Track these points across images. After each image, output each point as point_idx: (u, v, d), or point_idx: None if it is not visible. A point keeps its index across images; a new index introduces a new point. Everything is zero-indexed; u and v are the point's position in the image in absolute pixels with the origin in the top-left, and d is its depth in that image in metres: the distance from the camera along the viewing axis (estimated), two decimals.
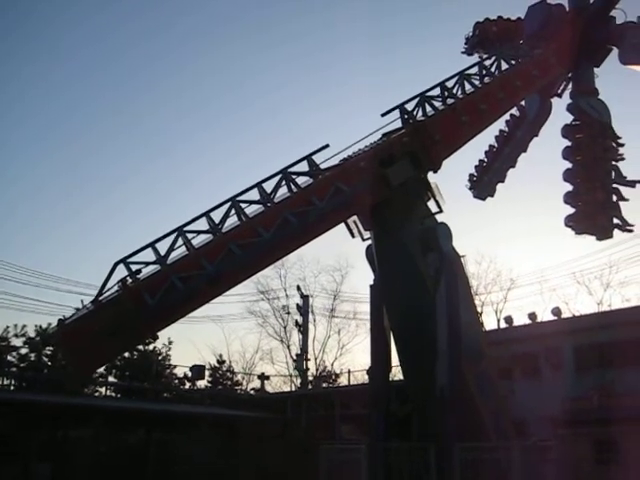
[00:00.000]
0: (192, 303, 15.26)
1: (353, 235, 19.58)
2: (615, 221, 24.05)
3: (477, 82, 20.19)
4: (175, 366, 45.31)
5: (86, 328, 14.24)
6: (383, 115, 18.82)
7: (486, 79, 20.31)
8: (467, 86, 19.97)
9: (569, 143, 24.36)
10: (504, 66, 21.04)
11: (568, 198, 24.27)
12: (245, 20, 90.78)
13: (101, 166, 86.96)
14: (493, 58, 21.02)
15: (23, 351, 37.94)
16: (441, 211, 19.40)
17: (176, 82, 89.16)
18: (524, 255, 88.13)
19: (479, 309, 39.82)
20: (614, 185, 23.98)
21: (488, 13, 29.03)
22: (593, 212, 23.90)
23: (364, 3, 77.55)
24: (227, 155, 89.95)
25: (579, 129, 24.17)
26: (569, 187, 24.36)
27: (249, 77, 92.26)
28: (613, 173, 23.93)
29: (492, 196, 27.04)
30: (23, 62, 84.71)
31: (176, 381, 45.32)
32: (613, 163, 24.00)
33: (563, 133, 24.40)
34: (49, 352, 38.39)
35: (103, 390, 39.40)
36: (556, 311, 33.56)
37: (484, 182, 26.88)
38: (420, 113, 19.14)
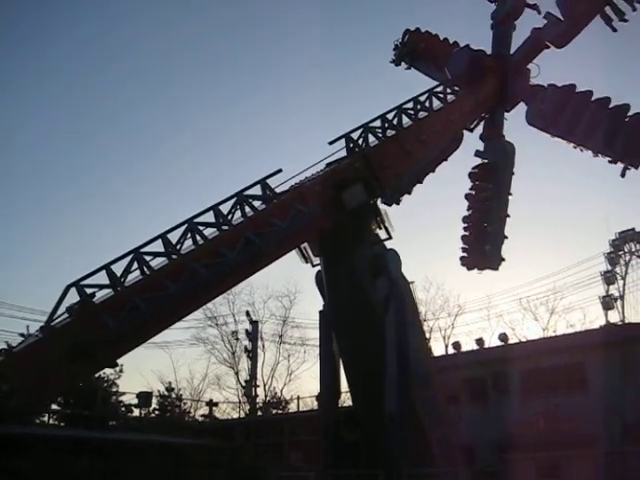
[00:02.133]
0: (157, 324, 14.98)
1: (307, 260, 19.67)
2: (500, 256, 25.06)
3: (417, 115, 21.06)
4: (123, 393, 44.38)
5: (40, 355, 13.68)
6: (330, 143, 19.29)
7: (421, 114, 21.14)
8: (405, 119, 20.80)
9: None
10: (435, 102, 21.92)
11: (461, 238, 25.28)
12: (185, 31, 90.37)
13: (48, 188, 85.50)
14: (425, 96, 21.60)
15: None
16: (390, 238, 19.69)
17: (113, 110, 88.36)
18: (472, 281, 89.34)
19: (427, 335, 40.18)
20: (500, 223, 24.90)
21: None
22: (479, 250, 24.96)
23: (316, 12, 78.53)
24: (170, 180, 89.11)
25: (474, 175, 25.04)
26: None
27: (190, 94, 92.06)
28: (498, 213, 24.79)
29: (398, 204, 27.93)
30: None
31: (123, 408, 44.37)
32: (499, 202, 24.84)
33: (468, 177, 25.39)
34: None
35: (46, 418, 38.31)
36: (503, 337, 34.07)
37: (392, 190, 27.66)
38: (363, 143, 19.67)
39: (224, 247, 15.58)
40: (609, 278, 48.13)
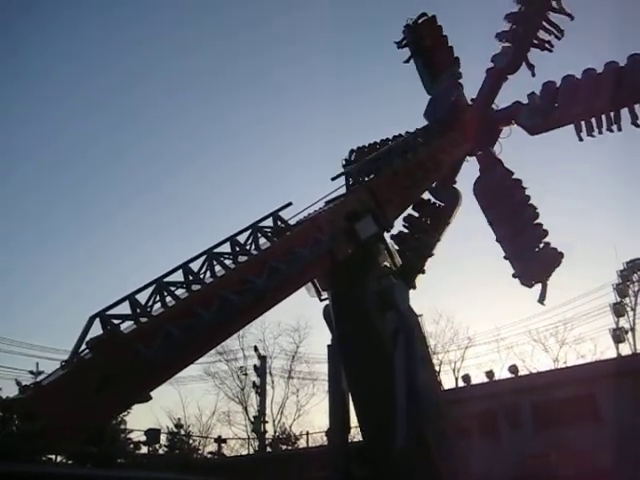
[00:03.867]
0: (192, 352, 14.86)
1: (320, 294, 19.69)
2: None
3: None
4: (131, 430, 44.03)
5: (68, 390, 13.38)
6: (333, 179, 19.70)
7: (409, 155, 21.42)
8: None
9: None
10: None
11: None
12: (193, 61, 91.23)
13: (56, 224, 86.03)
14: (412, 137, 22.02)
15: None
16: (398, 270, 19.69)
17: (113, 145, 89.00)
18: (481, 313, 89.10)
19: (437, 368, 39.92)
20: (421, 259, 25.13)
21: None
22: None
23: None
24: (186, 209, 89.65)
25: (418, 206, 25.28)
26: None
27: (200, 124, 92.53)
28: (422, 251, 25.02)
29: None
30: None
31: (131, 446, 44.04)
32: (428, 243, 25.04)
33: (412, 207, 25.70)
34: None
35: (53, 455, 37.98)
36: (513, 369, 33.90)
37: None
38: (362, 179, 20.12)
39: (249, 275, 15.62)
40: (618, 310, 47.97)
